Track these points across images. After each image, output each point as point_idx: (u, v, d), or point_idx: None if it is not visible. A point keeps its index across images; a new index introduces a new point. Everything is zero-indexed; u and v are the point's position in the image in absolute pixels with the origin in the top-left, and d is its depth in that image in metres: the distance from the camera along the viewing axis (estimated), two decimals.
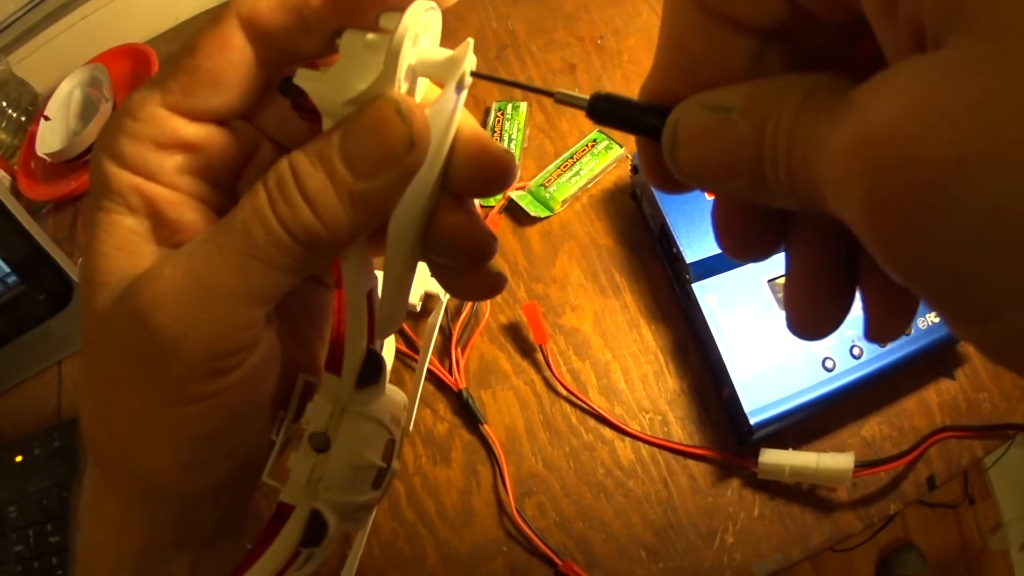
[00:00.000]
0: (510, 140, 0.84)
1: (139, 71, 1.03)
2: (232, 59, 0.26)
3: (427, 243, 0.29)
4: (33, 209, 0.99)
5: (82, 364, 0.28)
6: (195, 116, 0.27)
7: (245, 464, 0.29)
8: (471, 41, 0.26)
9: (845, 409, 0.68)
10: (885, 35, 0.19)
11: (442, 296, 0.73)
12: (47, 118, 1.00)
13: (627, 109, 0.25)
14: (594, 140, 0.83)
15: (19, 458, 0.84)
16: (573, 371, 0.72)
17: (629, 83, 0.89)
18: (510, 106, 0.87)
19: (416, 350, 0.74)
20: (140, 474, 0.28)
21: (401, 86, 0.25)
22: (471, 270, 0.30)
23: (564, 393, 0.71)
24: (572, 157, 0.82)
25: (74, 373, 0.87)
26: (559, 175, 0.81)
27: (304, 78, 0.26)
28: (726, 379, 0.64)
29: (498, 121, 0.86)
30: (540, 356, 0.72)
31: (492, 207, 0.81)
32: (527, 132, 0.86)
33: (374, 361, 0.29)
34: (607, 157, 0.82)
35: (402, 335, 0.75)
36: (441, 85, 0.26)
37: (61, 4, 1.09)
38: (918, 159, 0.15)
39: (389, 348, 0.72)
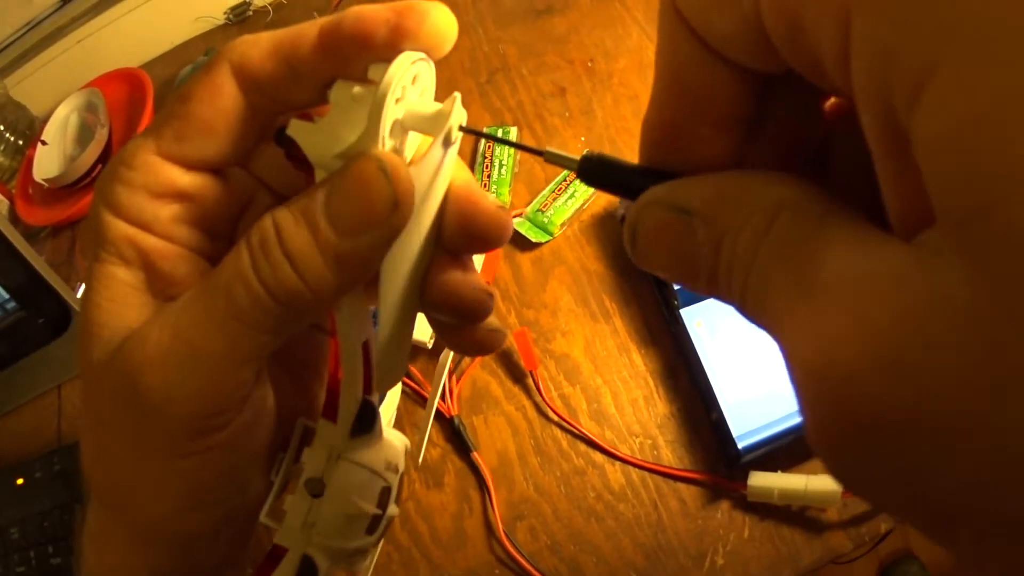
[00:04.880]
0: (501, 166, 0.86)
1: (134, 96, 1.06)
2: (224, 106, 0.26)
3: (422, 298, 0.29)
4: (31, 233, 1.01)
5: (82, 405, 0.28)
6: (189, 164, 0.27)
7: (244, 506, 0.30)
8: (458, 95, 0.26)
9: None
10: (858, 106, 0.17)
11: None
12: (44, 143, 1.03)
13: (615, 172, 0.25)
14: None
15: (20, 481, 0.86)
16: (564, 396, 0.74)
17: (619, 106, 0.91)
18: (500, 131, 0.90)
19: (421, 384, 0.77)
20: (138, 516, 0.28)
21: (386, 142, 0.25)
22: (466, 327, 0.30)
23: (555, 418, 0.73)
24: (565, 180, 0.84)
25: (74, 397, 0.89)
26: (554, 199, 0.83)
27: (296, 129, 0.26)
28: (714, 403, 0.66)
29: (488, 147, 0.88)
30: (531, 382, 0.74)
31: None
32: (517, 157, 0.88)
33: (368, 411, 0.30)
34: None
35: (408, 374, 0.77)
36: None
37: (57, 27, 1.11)
38: (878, 417, 0.15)
39: (395, 388, 0.74)
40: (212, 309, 0.25)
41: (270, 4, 1.18)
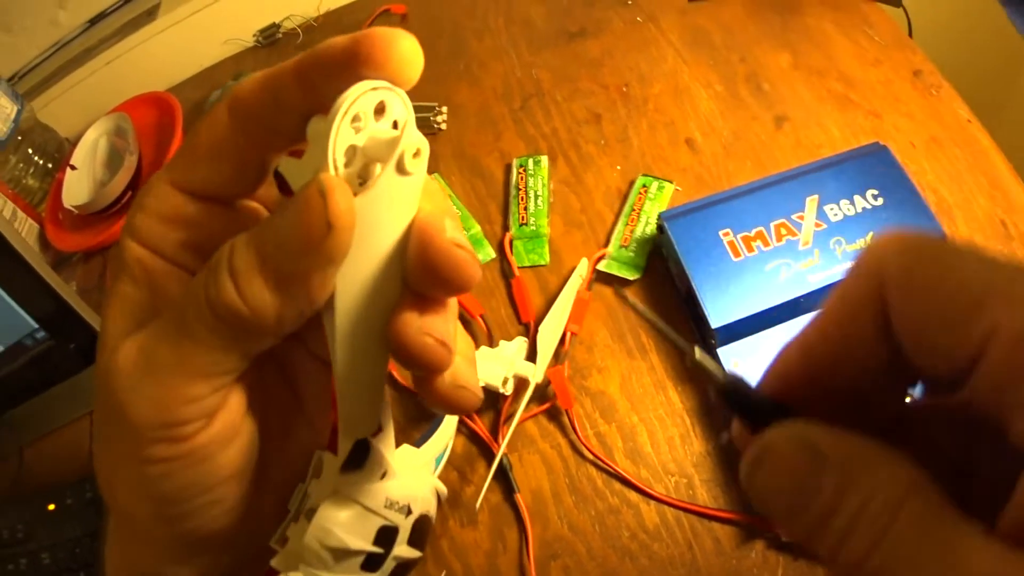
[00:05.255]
0: (536, 197, 0.88)
1: (164, 120, 1.09)
2: (221, 136, 0.28)
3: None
4: (62, 259, 1.05)
5: None
6: (195, 192, 0.29)
7: (245, 530, 0.32)
8: (409, 117, 0.27)
9: None
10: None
11: (531, 378, 0.76)
12: (73, 167, 1.06)
13: (752, 400, 0.26)
14: (645, 185, 0.88)
15: (52, 506, 0.90)
16: (599, 434, 0.76)
17: (655, 133, 0.93)
18: (531, 161, 0.92)
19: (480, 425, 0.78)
20: (126, 517, 0.31)
21: (338, 168, 0.26)
22: (429, 379, 0.29)
23: (590, 457, 0.75)
24: (633, 208, 0.86)
25: None
26: (631, 230, 0.85)
27: (284, 164, 0.28)
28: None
29: (521, 177, 0.91)
30: (567, 419, 0.76)
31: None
32: (551, 187, 0.90)
33: (359, 449, 0.31)
34: (665, 196, 0.87)
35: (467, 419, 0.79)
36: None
37: (84, 49, 1.14)
38: None
39: (449, 426, 0.75)
40: (168, 324, 0.27)
41: (299, 27, 1.20)
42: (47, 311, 0.89)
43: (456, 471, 0.77)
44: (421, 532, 0.33)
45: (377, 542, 0.31)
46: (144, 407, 0.27)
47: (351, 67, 0.26)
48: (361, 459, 0.31)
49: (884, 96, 0.89)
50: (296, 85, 0.27)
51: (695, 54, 1.01)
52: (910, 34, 0.97)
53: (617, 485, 0.74)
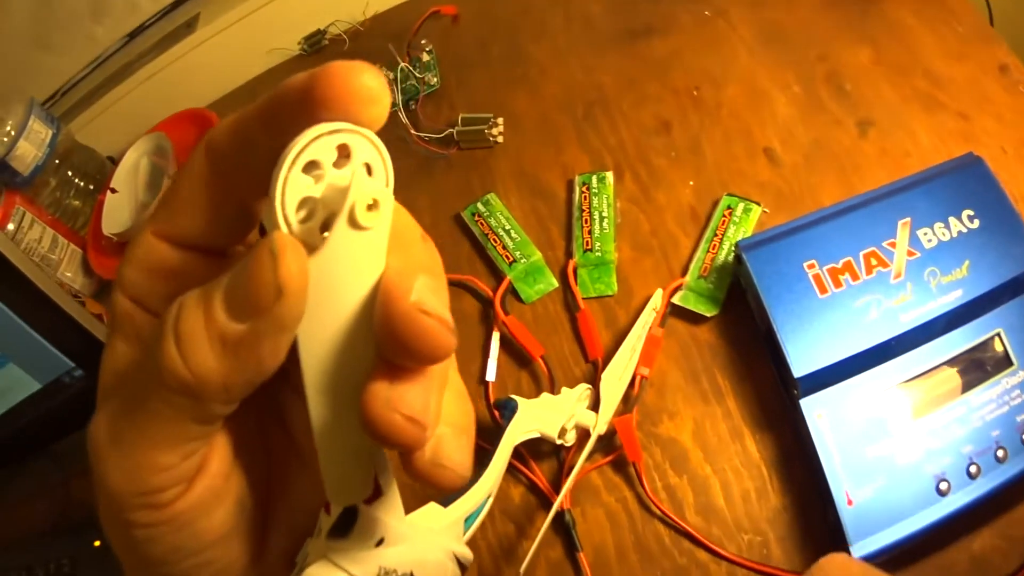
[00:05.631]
0: (601, 218, 0.85)
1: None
2: (199, 183, 0.28)
3: None
4: (105, 284, 1.07)
5: None
6: (175, 240, 0.29)
7: None
8: (377, 161, 0.26)
9: (955, 524, 0.67)
10: None
11: (592, 430, 0.72)
12: (114, 190, 1.07)
13: None
14: (729, 206, 0.84)
15: (97, 543, 0.92)
16: (669, 487, 0.73)
17: (730, 143, 0.89)
18: (595, 178, 0.88)
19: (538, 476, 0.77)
20: (130, 572, 0.31)
21: (290, 223, 0.25)
22: (404, 454, 0.28)
23: (658, 512, 0.72)
24: (715, 234, 0.82)
25: None
26: (712, 258, 0.81)
27: (265, 214, 0.28)
28: (831, 505, 0.65)
29: (584, 197, 0.87)
30: (633, 470, 0.73)
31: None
32: (618, 206, 0.87)
33: (347, 516, 0.30)
34: (751, 220, 0.82)
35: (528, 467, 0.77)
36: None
37: (123, 65, 1.16)
38: None
39: (486, 483, 0.71)
40: (128, 393, 0.27)
41: (345, 32, 1.20)
42: (81, 350, 0.92)
43: (513, 524, 0.75)
44: None
45: None
46: (118, 477, 0.27)
47: (308, 109, 0.24)
48: (348, 526, 0.30)
49: (971, 95, 0.85)
50: (262, 128, 0.26)
51: (770, 51, 0.97)
52: (991, 23, 0.93)
53: (686, 543, 0.71)
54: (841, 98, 0.91)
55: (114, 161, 1.16)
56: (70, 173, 1.11)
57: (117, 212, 1.06)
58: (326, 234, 0.25)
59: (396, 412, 0.25)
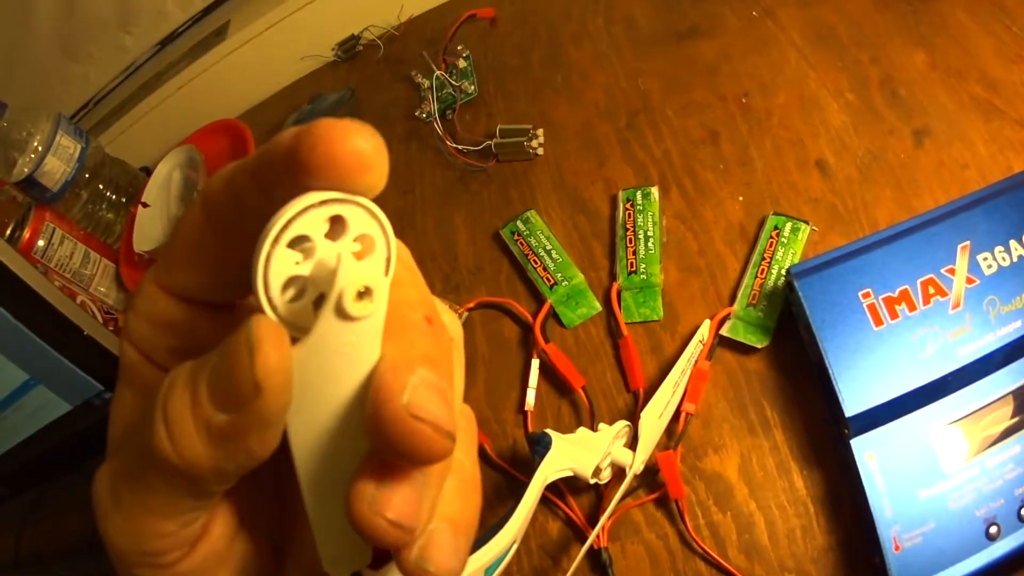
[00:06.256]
0: (647, 238, 0.85)
1: (236, 149, 1.13)
2: (196, 237, 0.27)
3: None
4: None
5: None
6: (176, 293, 0.28)
7: None
8: (377, 233, 0.25)
9: (1006, 567, 0.66)
10: None
11: (628, 469, 0.72)
12: (146, 204, 1.10)
13: None
14: (776, 227, 0.82)
15: None
16: (712, 524, 0.72)
17: (781, 154, 0.88)
18: (639, 194, 0.88)
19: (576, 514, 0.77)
20: None
21: (275, 305, 0.24)
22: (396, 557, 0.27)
23: (700, 550, 0.72)
24: (763, 257, 0.81)
25: None
26: (760, 284, 0.80)
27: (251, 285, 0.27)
28: (878, 549, 0.64)
29: (628, 215, 0.87)
30: (675, 507, 0.73)
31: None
32: (664, 224, 0.86)
33: None
34: (800, 240, 0.81)
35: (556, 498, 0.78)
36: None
37: (155, 74, 1.19)
38: None
39: (511, 530, 0.71)
40: (128, 460, 0.27)
41: (379, 38, 1.21)
42: (109, 373, 0.94)
43: (550, 558, 0.76)
44: None
45: None
46: (119, 536, 0.27)
47: (294, 175, 0.23)
48: None
49: None
50: (254, 186, 0.25)
51: (821, 54, 0.96)
52: None
53: None
54: (896, 104, 0.89)
55: (148, 172, 1.19)
56: (101, 186, 1.14)
57: (149, 227, 1.09)
58: (317, 314, 0.24)
59: (380, 517, 0.25)
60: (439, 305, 0.29)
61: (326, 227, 0.24)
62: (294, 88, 1.26)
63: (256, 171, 0.25)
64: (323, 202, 0.23)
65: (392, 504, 0.25)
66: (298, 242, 0.24)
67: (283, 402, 0.24)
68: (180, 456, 0.24)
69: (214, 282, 0.28)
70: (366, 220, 0.25)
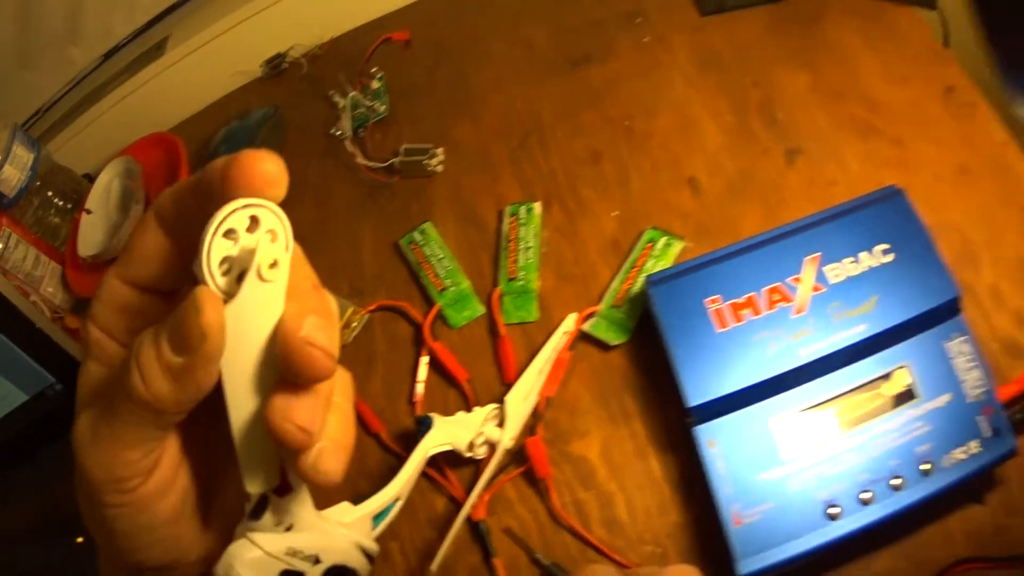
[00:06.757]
0: (527, 248, 0.93)
1: (170, 161, 1.19)
2: (147, 240, 0.38)
3: None
4: (82, 300, 1.17)
5: None
6: (134, 284, 0.38)
7: (191, 559, 0.42)
8: (279, 227, 0.35)
9: (855, 543, 0.72)
10: None
11: (499, 445, 0.81)
12: (88, 211, 1.16)
13: None
14: (651, 240, 0.90)
15: (80, 539, 1.02)
16: (577, 502, 0.81)
17: (657, 173, 0.96)
18: (523, 208, 0.96)
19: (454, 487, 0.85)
20: (102, 548, 0.42)
21: (215, 276, 0.34)
22: (292, 456, 0.37)
23: (566, 525, 0.80)
24: (634, 265, 0.89)
25: None
26: (627, 288, 0.88)
27: (195, 267, 0.36)
28: (720, 525, 0.72)
29: (512, 228, 0.95)
30: (543, 486, 0.81)
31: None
32: (544, 236, 0.95)
33: (260, 502, 0.40)
34: (671, 254, 0.89)
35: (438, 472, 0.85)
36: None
37: (98, 86, 1.25)
38: None
39: (393, 488, 0.78)
40: (105, 404, 0.36)
41: (304, 56, 1.27)
42: (61, 366, 1.05)
43: (436, 530, 0.83)
44: None
45: None
46: (95, 467, 0.36)
47: (226, 187, 0.34)
48: (261, 511, 0.39)
49: (910, 120, 0.89)
50: (195, 201, 0.36)
51: (705, 79, 1.02)
52: (946, 43, 0.95)
53: (591, 553, 0.79)
54: (772, 126, 0.95)
55: (90, 179, 1.25)
56: (50, 193, 1.20)
57: (91, 233, 1.16)
58: (241, 284, 0.34)
59: (289, 422, 0.35)
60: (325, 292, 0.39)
61: (247, 223, 0.34)
62: (226, 101, 1.30)
63: (196, 187, 0.36)
64: (245, 206, 0.34)
65: (297, 413, 0.35)
66: (228, 234, 0.34)
67: (221, 343, 0.34)
68: (150, 392, 0.34)
69: (163, 274, 0.38)
70: (273, 218, 0.35)
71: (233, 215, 0.34)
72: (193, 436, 0.41)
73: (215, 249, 0.34)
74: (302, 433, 0.35)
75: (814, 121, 0.95)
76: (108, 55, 1.31)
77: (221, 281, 0.34)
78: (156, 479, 0.38)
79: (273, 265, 0.35)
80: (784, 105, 0.97)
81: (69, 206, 1.22)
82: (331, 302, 0.38)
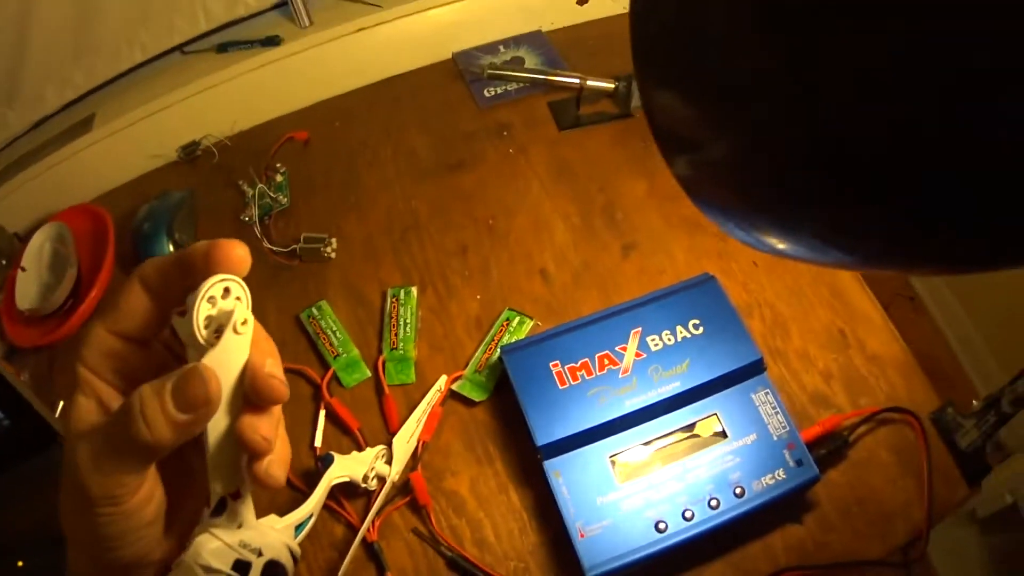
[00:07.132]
0: (405, 324, 1.10)
1: (97, 230, 1.29)
2: (132, 299, 0.44)
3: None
4: (15, 349, 1.24)
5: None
6: (118, 334, 0.44)
7: (158, 555, 0.47)
8: (245, 296, 0.43)
9: (690, 554, 0.86)
10: None
11: (387, 478, 0.96)
12: (23, 268, 1.26)
13: None
14: (508, 318, 1.06)
15: (20, 563, 1.05)
16: (452, 527, 0.96)
17: (514, 264, 1.13)
18: (403, 291, 1.12)
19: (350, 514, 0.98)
20: (84, 550, 0.45)
21: (201, 332, 0.41)
22: (251, 461, 0.44)
23: (444, 544, 0.94)
24: (493, 339, 1.05)
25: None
26: (487, 357, 1.06)
27: (176, 321, 0.44)
28: (570, 541, 0.86)
29: (394, 307, 1.12)
30: (424, 514, 0.97)
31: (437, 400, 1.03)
32: (420, 314, 1.10)
33: (221, 502, 0.46)
34: (523, 330, 1.05)
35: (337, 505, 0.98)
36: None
37: (29, 151, 1.33)
38: None
39: (309, 504, 0.87)
40: (107, 441, 0.42)
41: (215, 145, 1.37)
42: (7, 400, 1.07)
43: (337, 552, 0.96)
44: (274, 572, 0.48)
45: (234, 569, 0.46)
46: (96, 488, 0.41)
47: (209, 265, 0.42)
48: (221, 509, 0.47)
49: None
50: (178, 273, 0.43)
51: (558, 185, 1.18)
52: None
53: (466, 567, 0.92)
54: (612, 225, 1.11)
55: (20, 238, 1.33)
56: None
57: (26, 288, 1.25)
58: (218, 336, 0.42)
59: (257, 434, 0.43)
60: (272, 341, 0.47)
61: (222, 291, 0.43)
62: (146, 179, 1.40)
63: (178, 262, 0.43)
64: (221, 280, 0.42)
65: (262, 427, 0.44)
66: (210, 300, 0.42)
67: (218, 404, 0.42)
68: (153, 437, 0.41)
69: (143, 326, 0.44)
70: (239, 288, 0.43)
71: (214, 286, 0.42)
72: (165, 462, 0.46)
73: (202, 311, 0.42)
74: (265, 442, 0.44)
75: (648, 221, 1.11)
76: (39, 123, 1.37)
77: (205, 334, 0.42)
78: (141, 494, 0.43)
79: (243, 322, 0.43)
80: (623, 207, 1.13)
81: (4, 262, 1.31)
82: (275, 347, 0.46)
